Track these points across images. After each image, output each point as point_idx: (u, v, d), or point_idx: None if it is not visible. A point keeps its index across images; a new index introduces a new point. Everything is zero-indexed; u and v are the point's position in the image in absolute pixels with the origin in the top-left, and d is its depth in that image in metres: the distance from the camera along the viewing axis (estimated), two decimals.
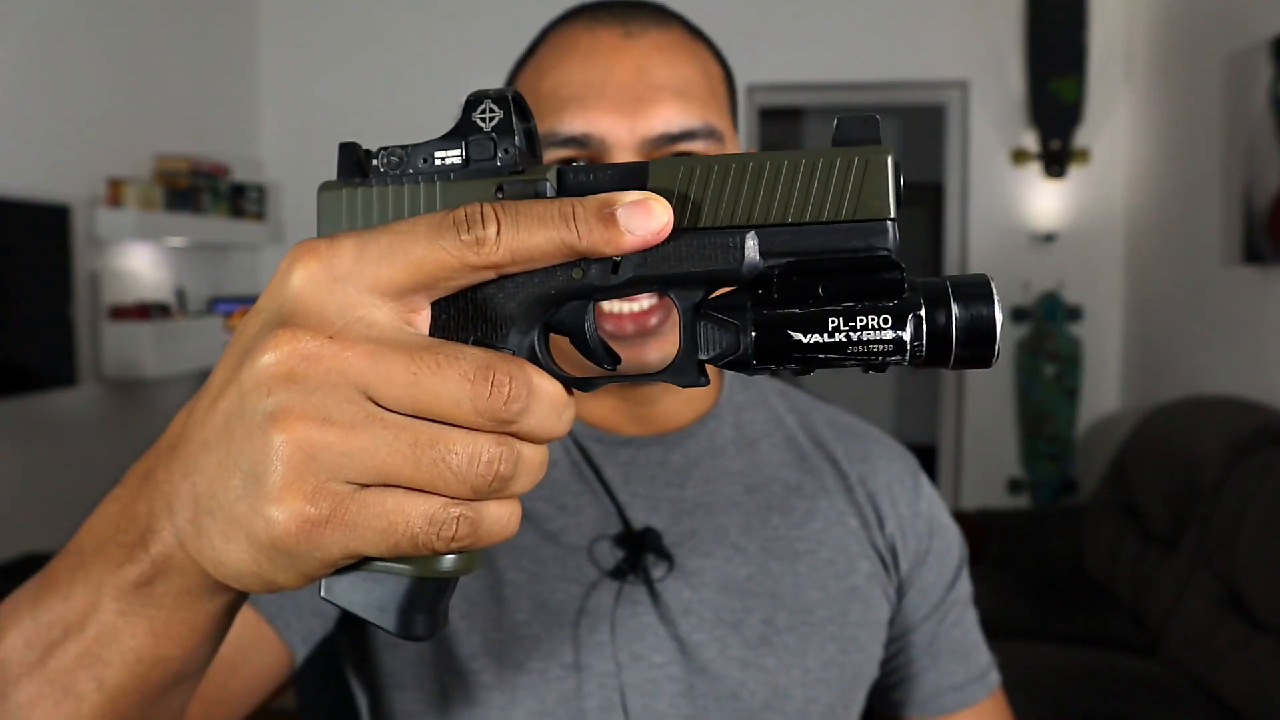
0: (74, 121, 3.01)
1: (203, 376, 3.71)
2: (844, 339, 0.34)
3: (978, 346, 0.34)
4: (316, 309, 0.32)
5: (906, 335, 0.33)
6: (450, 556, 0.35)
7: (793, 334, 0.34)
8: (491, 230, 0.32)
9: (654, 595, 0.73)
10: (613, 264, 0.34)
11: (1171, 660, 2.48)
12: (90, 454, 3.06)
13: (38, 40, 2.86)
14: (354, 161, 0.37)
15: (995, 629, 1.05)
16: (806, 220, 0.34)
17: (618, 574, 0.72)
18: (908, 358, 0.34)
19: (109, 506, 0.39)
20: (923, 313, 0.33)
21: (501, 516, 0.33)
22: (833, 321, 0.34)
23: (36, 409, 2.83)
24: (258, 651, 0.68)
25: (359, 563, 0.35)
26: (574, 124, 0.66)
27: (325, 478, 0.32)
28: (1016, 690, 0.98)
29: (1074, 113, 3.77)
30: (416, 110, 4.10)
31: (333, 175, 0.39)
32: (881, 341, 0.33)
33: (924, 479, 0.85)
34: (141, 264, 3.36)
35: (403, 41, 4.13)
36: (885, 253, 0.34)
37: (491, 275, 0.34)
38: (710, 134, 0.68)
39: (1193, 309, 3.37)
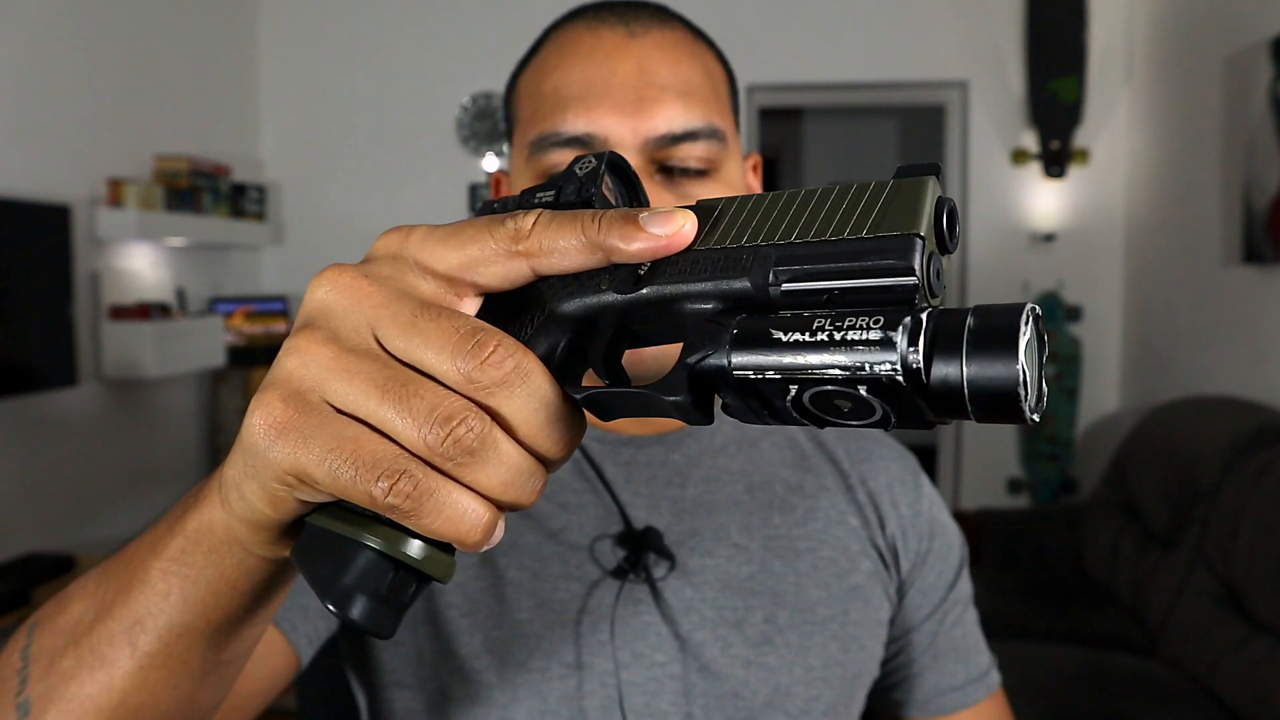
0: (74, 121, 3.01)
1: (203, 377, 3.72)
2: (825, 339, 0.29)
3: (993, 377, 0.27)
4: (373, 261, 0.36)
5: (898, 338, 0.28)
6: (417, 544, 0.34)
7: (772, 332, 0.31)
8: (528, 222, 0.35)
9: (656, 594, 0.73)
10: (635, 276, 0.35)
11: (1170, 660, 2.48)
12: (90, 454, 3.06)
13: (38, 40, 2.86)
14: (491, 212, 0.41)
15: (995, 629, 1.05)
16: (829, 238, 0.32)
17: (619, 573, 0.72)
18: (902, 372, 0.28)
19: (202, 482, 0.42)
20: (924, 318, 0.29)
21: (456, 504, 0.32)
22: (818, 322, 0.30)
23: (36, 409, 2.83)
24: (266, 655, 0.68)
25: (330, 519, 0.34)
26: (576, 124, 0.66)
27: (306, 387, 0.33)
28: (1016, 690, 0.98)
29: (1074, 113, 3.78)
30: (417, 110, 4.11)
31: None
32: (867, 343, 0.28)
33: (924, 479, 0.85)
34: (141, 264, 3.36)
35: (403, 42, 4.13)
36: (904, 267, 0.30)
37: (525, 266, 0.35)
38: (713, 134, 0.68)
39: (1193, 309, 3.37)
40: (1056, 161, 3.82)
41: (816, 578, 0.76)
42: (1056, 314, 3.88)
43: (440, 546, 0.35)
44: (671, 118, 0.67)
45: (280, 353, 0.35)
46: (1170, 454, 2.78)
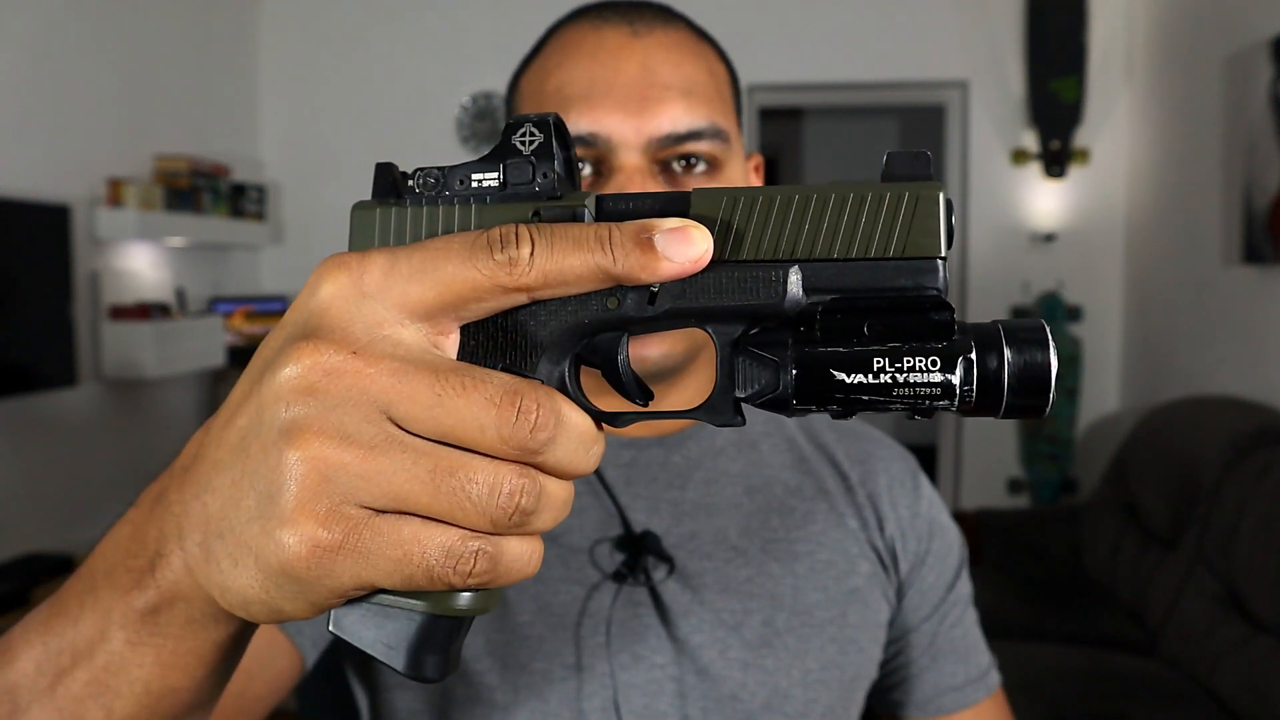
0: (74, 121, 3.01)
1: (203, 377, 3.72)
2: (889, 380, 0.32)
3: (1031, 395, 0.32)
4: (343, 324, 0.31)
5: (955, 379, 0.32)
6: (466, 594, 0.33)
7: (835, 374, 0.32)
8: (525, 251, 0.31)
9: (655, 597, 0.73)
10: (650, 294, 0.33)
11: (1171, 660, 2.48)
12: (90, 454, 3.06)
13: (38, 40, 2.86)
14: (389, 182, 0.36)
15: (995, 629, 1.05)
16: (853, 256, 0.33)
17: (618, 577, 0.72)
18: (956, 403, 0.32)
19: (121, 529, 0.38)
20: (973, 356, 0.32)
21: (523, 554, 0.32)
22: (878, 362, 0.32)
23: (36, 409, 2.83)
24: (272, 659, 0.68)
25: (369, 595, 0.33)
26: (580, 123, 0.66)
27: (340, 500, 0.30)
28: (1016, 690, 0.98)
29: (1074, 113, 3.78)
30: (417, 110, 4.10)
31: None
32: (929, 385, 0.32)
33: (924, 480, 0.85)
34: (141, 264, 3.36)
35: (403, 41, 4.13)
36: (935, 292, 0.32)
37: (523, 299, 0.32)
38: (716, 134, 0.68)
39: (1193, 309, 3.37)
40: (1056, 161, 3.82)
41: (815, 580, 0.76)
42: (1056, 314, 3.88)
43: None
44: (675, 117, 0.67)
45: (285, 458, 0.30)
46: (1170, 454, 2.78)
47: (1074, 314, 3.93)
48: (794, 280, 0.33)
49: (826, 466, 0.82)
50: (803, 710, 0.73)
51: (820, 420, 0.85)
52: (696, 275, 0.33)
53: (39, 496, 2.84)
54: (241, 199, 3.78)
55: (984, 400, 0.32)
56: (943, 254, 0.32)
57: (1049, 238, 3.94)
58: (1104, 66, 3.88)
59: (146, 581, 0.35)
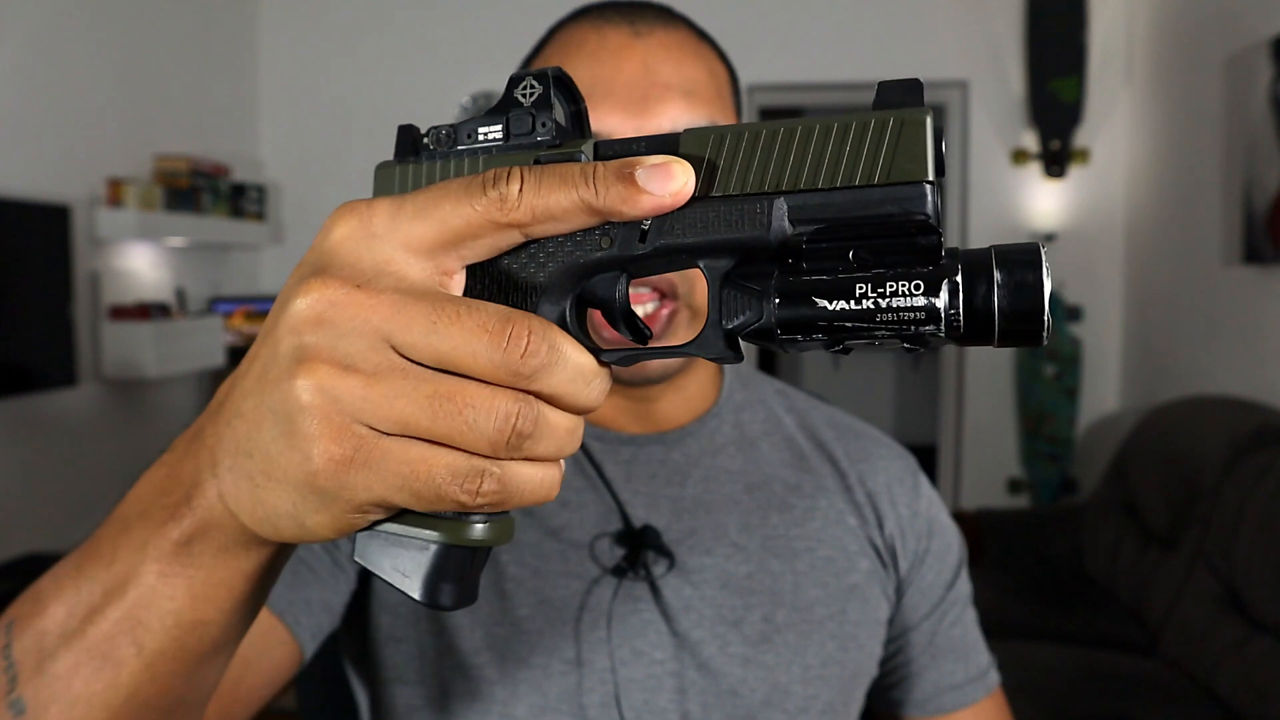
0: (74, 121, 3.01)
1: (203, 377, 3.72)
2: (871, 306, 0.32)
3: (1023, 319, 0.31)
4: (351, 261, 0.34)
5: (940, 303, 0.31)
6: (480, 525, 0.35)
7: (818, 301, 0.32)
8: (515, 188, 0.33)
9: (655, 592, 0.73)
10: (640, 231, 0.34)
11: (1171, 660, 2.48)
12: (90, 454, 3.06)
13: (38, 40, 2.86)
14: (410, 142, 0.38)
15: (995, 629, 1.05)
16: (839, 185, 0.32)
17: (618, 571, 0.73)
18: (944, 328, 0.31)
19: (155, 471, 0.40)
20: (959, 279, 0.31)
21: (533, 477, 0.34)
22: (860, 288, 0.32)
23: (36, 409, 2.83)
24: (271, 647, 0.68)
25: (385, 522, 0.35)
26: None
27: (350, 420, 0.32)
28: (1016, 690, 0.98)
29: (1074, 113, 3.78)
30: (417, 110, 4.10)
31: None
32: (913, 309, 0.31)
33: (923, 479, 0.85)
34: (141, 264, 3.36)
35: (403, 41, 4.13)
36: (922, 217, 0.31)
37: (516, 235, 0.34)
38: None
39: (1193, 309, 3.38)
40: (1056, 161, 3.83)
41: (814, 577, 0.76)
42: (1056, 314, 3.89)
43: (499, 514, 0.36)
44: (675, 116, 0.67)
45: (296, 384, 0.33)
46: (1170, 454, 2.78)
47: (1074, 314, 3.93)
48: (779, 212, 0.33)
49: (825, 464, 0.82)
50: (803, 706, 0.74)
51: (819, 418, 0.85)
52: (685, 211, 0.34)
53: (39, 496, 2.84)
54: (241, 199, 3.78)
55: (975, 326, 0.31)
56: (930, 178, 0.32)
57: (1049, 238, 3.94)
58: (1104, 66, 3.88)
59: (182, 512, 0.38)
